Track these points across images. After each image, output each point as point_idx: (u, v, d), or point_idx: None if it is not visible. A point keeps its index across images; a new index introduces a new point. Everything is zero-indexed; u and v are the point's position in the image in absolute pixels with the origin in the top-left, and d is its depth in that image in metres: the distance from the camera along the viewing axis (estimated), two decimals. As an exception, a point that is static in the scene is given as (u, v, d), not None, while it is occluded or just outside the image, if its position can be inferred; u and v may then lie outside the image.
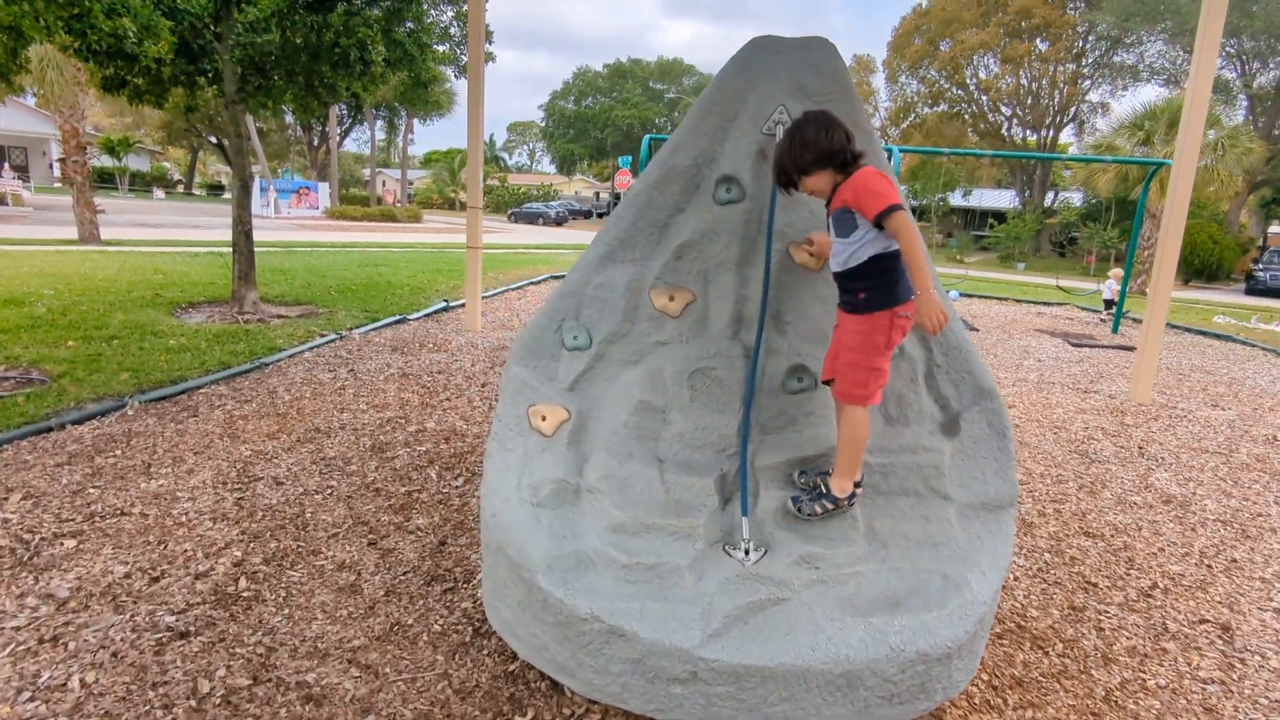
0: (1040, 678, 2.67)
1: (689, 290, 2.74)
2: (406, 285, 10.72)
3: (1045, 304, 15.28)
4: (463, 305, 9.48)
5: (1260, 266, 26.36)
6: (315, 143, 38.66)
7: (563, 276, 11.15)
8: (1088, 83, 35.70)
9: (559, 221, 45.14)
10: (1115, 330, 11.30)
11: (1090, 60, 35.85)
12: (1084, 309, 14.65)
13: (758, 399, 2.54)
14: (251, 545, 3.05)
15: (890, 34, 39.86)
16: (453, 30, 8.92)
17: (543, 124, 53.29)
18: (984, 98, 36.84)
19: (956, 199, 38.52)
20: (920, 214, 38.71)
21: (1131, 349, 9.99)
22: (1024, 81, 35.45)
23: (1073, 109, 36.97)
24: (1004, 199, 38.86)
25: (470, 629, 2.62)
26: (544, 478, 2.46)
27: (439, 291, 10.36)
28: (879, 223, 2.15)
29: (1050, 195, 38.25)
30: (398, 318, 8.07)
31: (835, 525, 2.32)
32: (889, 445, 2.47)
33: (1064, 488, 4.59)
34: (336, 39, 7.64)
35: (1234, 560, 3.83)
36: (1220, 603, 3.35)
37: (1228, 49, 32.71)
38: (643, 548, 2.24)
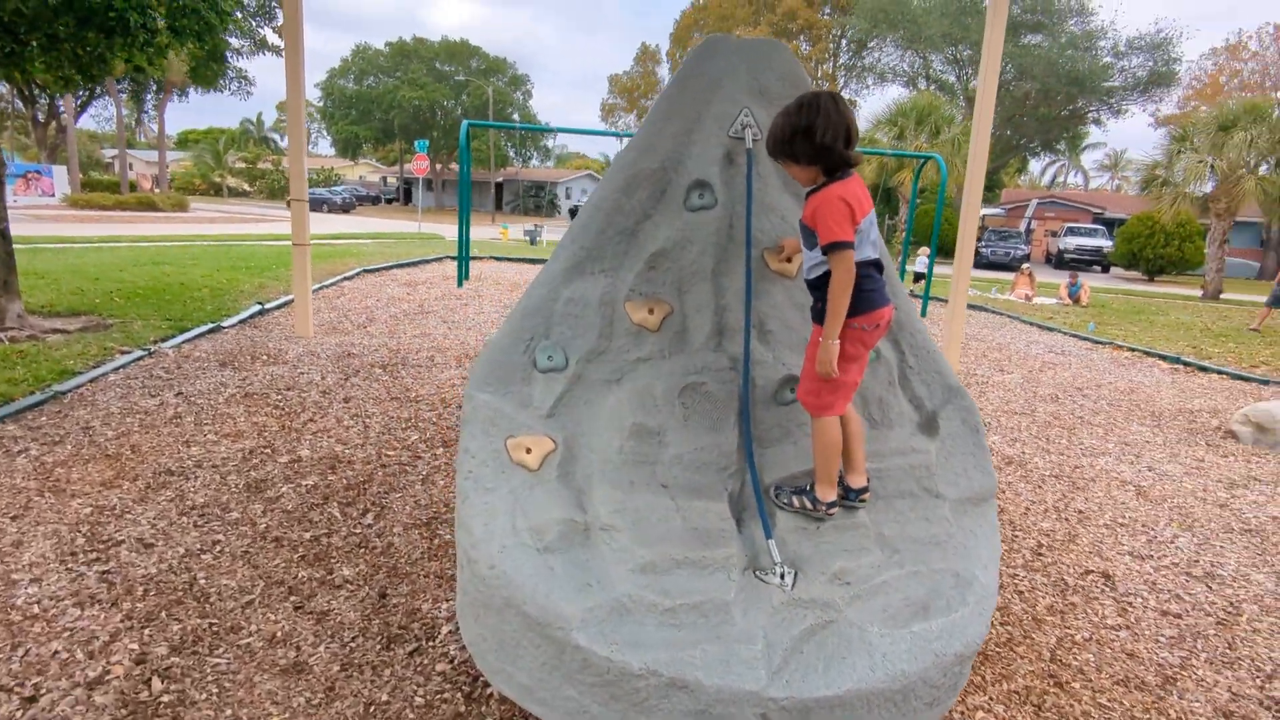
0: (997, 649, 2.83)
1: (666, 302, 2.56)
2: (203, 286, 9.40)
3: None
4: (280, 307, 8.49)
5: (983, 244, 30.95)
6: (41, 118, 32.69)
7: (377, 270, 10.42)
8: (841, 81, 39.19)
9: (346, 208, 42.13)
10: (923, 314, 12.44)
11: (842, 61, 39.39)
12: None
13: (753, 413, 2.43)
14: (147, 632, 2.45)
15: (671, 25, 41.17)
16: (245, -1, 7.83)
17: (320, 104, 49.22)
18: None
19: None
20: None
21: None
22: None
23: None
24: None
25: (459, 695, 2.29)
26: (546, 519, 2.19)
27: (245, 292, 9.19)
28: (825, 251, 2.10)
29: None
30: (210, 326, 7.02)
31: (850, 536, 2.28)
32: (880, 449, 2.48)
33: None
34: (109, 1, 6.42)
35: (1080, 511, 4.33)
36: (1092, 552, 3.76)
37: (951, 56, 37.30)
38: (680, 586, 2.05)
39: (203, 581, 2.76)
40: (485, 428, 2.38)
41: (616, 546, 2.14)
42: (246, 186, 53.81)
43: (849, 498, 2.33)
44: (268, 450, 4.07)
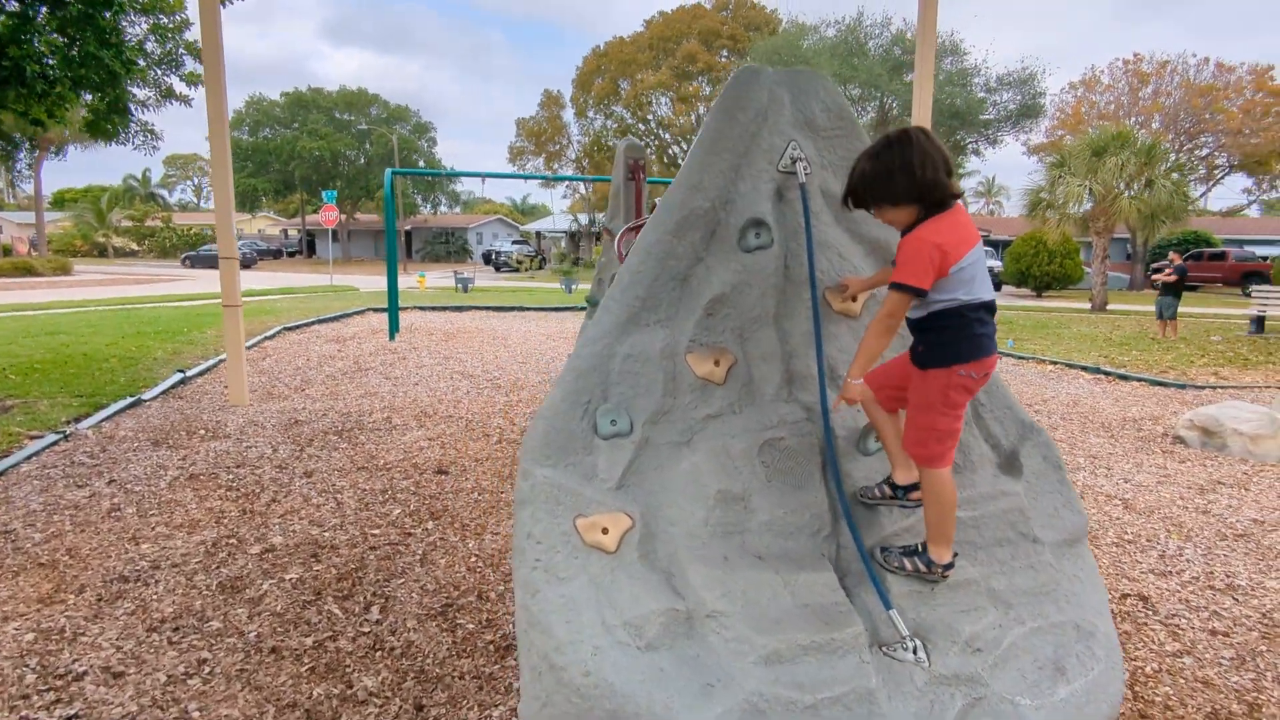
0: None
1: (730, 352, 2.32)
2: (110, 356, 8.55)
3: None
4: (204, 374, 7.80)
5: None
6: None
7: (299, 327, 9.84)
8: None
9: (247, 263, 40.08)
10: None
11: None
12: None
13: (840, 467, 2.21)
14: (144, 792, 1.99)
15: (563, 70, 41.60)
16: (148, 45, 7.19)
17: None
18: (664, 133, 39.99)
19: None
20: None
21: None
22: (695, 119, 39.18)
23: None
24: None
25: (547, 828, 1.93)
26: (643, 610, 1.88)
27: (159, 360, 8.41)
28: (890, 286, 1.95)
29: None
30: (129, 400, 6.32)
31: (964, 595, 2.07)
32: (970, 495, 2.29)
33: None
34: (3, 48, 5.79)
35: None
36: (1117, 574, 3.69)
37: (845, 94, 39.01)
38: (814, 676, 1.78)
39: (198, 716, 2.29)
40: (550, 508, 2.06)
41: (730, 636, 1.86)
42: (134, 246, 50.69)
43: (897, 495, 2.16)
44: (233, 541, 3.57)
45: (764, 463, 2.20)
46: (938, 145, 1.96)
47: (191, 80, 8.55)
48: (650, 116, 40.04)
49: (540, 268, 40.92)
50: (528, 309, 16.15)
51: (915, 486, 2.13)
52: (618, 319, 2.26)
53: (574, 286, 19.64)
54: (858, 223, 2.49)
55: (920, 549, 2.06)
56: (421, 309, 15.60)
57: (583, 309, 16.31)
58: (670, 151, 41.20)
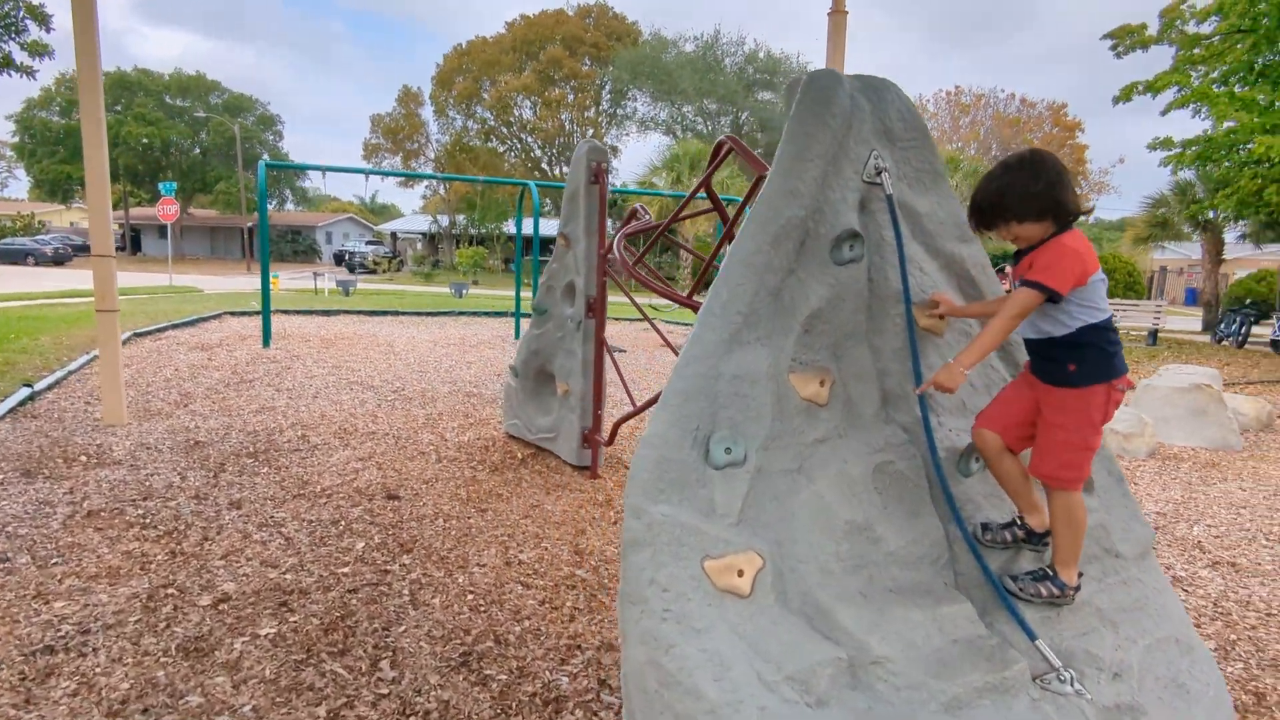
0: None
1: (831, 371, 2.16)
2: (-80, 367, 7.14)
3: (638, 320, 16.66)
4: (53, 387, 6.68)
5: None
6: None
7: (150, 333, 8.85)
8: (605, 127, 40.59)
9: (59, 260, 35.39)
10: None
11: (604, 109, 40.84)
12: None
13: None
14: None
15: (412, 65, 40.02)
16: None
17: (16, 139, 40.97)
18: (529, 137, 39.35)
19: (510, 228, 40.43)
20: (482, 241, 39.77)
21: None
22: (564, 124, 38.87)
23: (596, 149, 41.77)
24: (555, 228, 41.93)
25: None
26: (807, 662, 1.68)
27: (-10, 371, 7.12)
28: (1025, 283, 1.94)
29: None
30: (-31, 421, 5.26)
31: (1080, 618, 2.03)
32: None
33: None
34: None
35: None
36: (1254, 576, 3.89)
37: (701, 108, 40.21)
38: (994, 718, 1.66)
39: (217, 824, 1.84)
40: (674, 550, 1.81)
41: (901, 684, 1.70)
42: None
43: (1031, 541, 2.13)
44: (173, 591, 2.98)
45: (878, 489, 2.07)
46: (1063, 164, 1.94)
47: (36, 51, 7.29)
48: (513, 120, 39.28)
49: (399, 269, 39.04)
50: (403, 314, 15.25)
51: (1049, 532, 2.08)
52: (721, 337, 2.04)
53: (465, 291, 18.55)
54: (934, 237, 2.42)
55: (1051, 573, 2.01)
56: (285, 313, 14.32)
57: (474, 314, 15.60)
58: (534, 155, 40.67)
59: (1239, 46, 14.47)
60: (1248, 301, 21.58)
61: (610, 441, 4.64)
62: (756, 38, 52.71)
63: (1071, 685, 1.80)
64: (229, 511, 3.84)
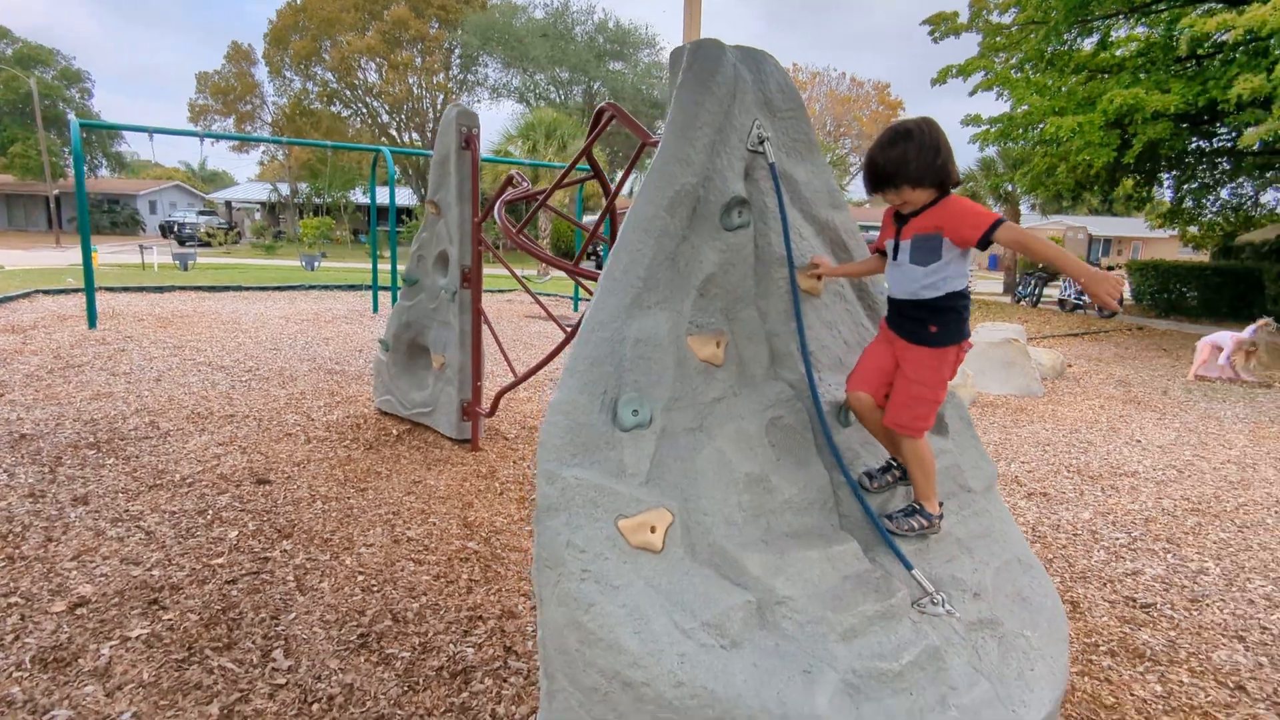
0: None
1: (725, 333, 2.23)
2: None
3: (504, 291, 16.29)
4: None
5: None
6: None
7: None
8: (458, 94, 39.03)
9: None
10: None
11: (454, 75, 39.23)
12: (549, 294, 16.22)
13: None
14: None
15: (244, 21, 36.78)
16: None
17: None
18: (375, 101, 37.07)
19: (358, 196, 38.25)
20: (328, 211, 37.33)
21: None
22: (413, 89, 36.88)
23: (447, 116, 40.11)
24: (406, 197, 40.04)
25: None
26: (721, 608, 1.75)
27: None
28: (985, 242, 2.08)
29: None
30: None
31: (942, 548, 2.23)
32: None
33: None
34: None
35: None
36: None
37: (553, 76, 39.55)
38: (887, 645, 1.80)
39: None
40: (589, 512, 1.82)
41: (805, 619, 1.80)
42: None
43: (906, 478, 2.27)
44: (18, 600, 2.65)
45: (771, 443, 2.16)
46: (945, 135, 2.06)
47: None
48: (358, 83, 36.89)
49: (236, 242, 35.92)
50: (247, 289, 14.11)
51: (893, 516, 2.23)
52: (623, 302, 2.05)
53: (317, 263, 17.18)
54: (810, 204, 2.52)
55: (918, 507, 2.18)
56: (110, 290, 12.86)
57: (327, 288, 14.57)
58: (382, 119, 38.45)
59: (1033, 37, 15.98)
60: (1039, 266, 24.23)
61: (492, 413, 4.56)
62: (605, 7, 52.18)
63: (943, 607, 1.98)
64: (74, 509, 3.44)
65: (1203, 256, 22.30)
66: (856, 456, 2.33)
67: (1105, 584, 3.41)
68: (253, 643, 2.44)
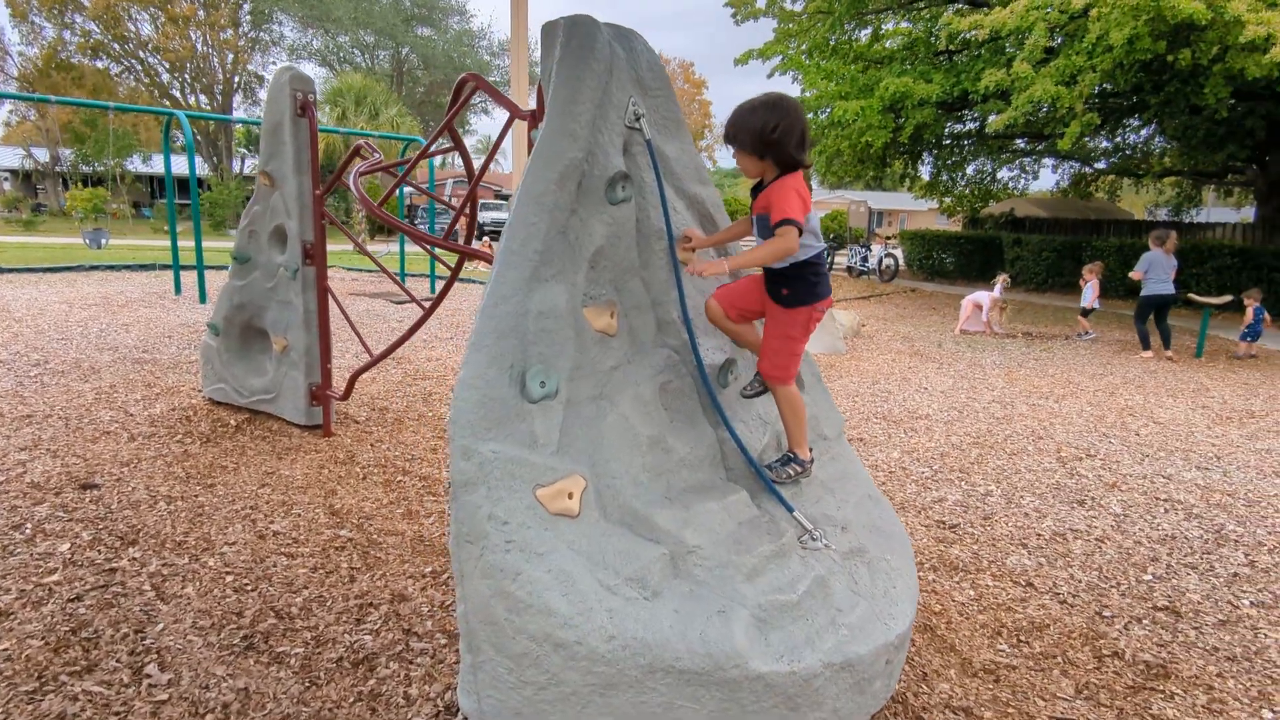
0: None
1: (616, 304, 2.26)
2: None
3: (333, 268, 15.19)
4: None
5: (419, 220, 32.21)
6: None
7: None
8: (250, 54, 35.20)
9: None
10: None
11: (246, 32, 35.31)
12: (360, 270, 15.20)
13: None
14: None
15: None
16: None
17: None
18: (153, 57, 32.35)
19: (137, 165, 33.56)
20: (98, 182, 32.38)
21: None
22: (197, 46, 32.58)
23: (237, 78, 36.04)
24: (197, 167, 35.56)
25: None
26: (641, 563, 1.82)
27: None
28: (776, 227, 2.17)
29: (239, 161, 36.83)
30: None
31: (810, 490, 2.44)
32: (771, 414, 2.65)
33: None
34: None
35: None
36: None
37: (358, 39, 36.82)
38: (785, 578, 1.95)
39: None
40: (508, 484, 1.81)
41: (713, 565, 1.92)
42: None
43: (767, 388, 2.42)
44: None
45: (664, 406, 2.25)
46: (803, 118, 2.19)
47: None
48: (129, 35, 32.03)
49: (-19, 217, 30.15)
50: (9, 270, 12.01)
51: (771, 466, 2.40)
52: (523, 275, 2.02)
53: (105, 241, 14.66)
54: (681, 179, 2.61)
55: (791, 455, 2.36)
56: None
57: (113, 268, 12.59)
58: (163, 79, 33.74)
59: (820, 26, 17.20)
60: (831, 236, 26.43)
61: (346, 396, 4.28)
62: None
63: (821, 541, 2.19)
64: None
65: (956, 226, 25.37)
66: (734, 414, 2.48)
67: (919, 511, 3.87)
68: (118, 661, 2.17)
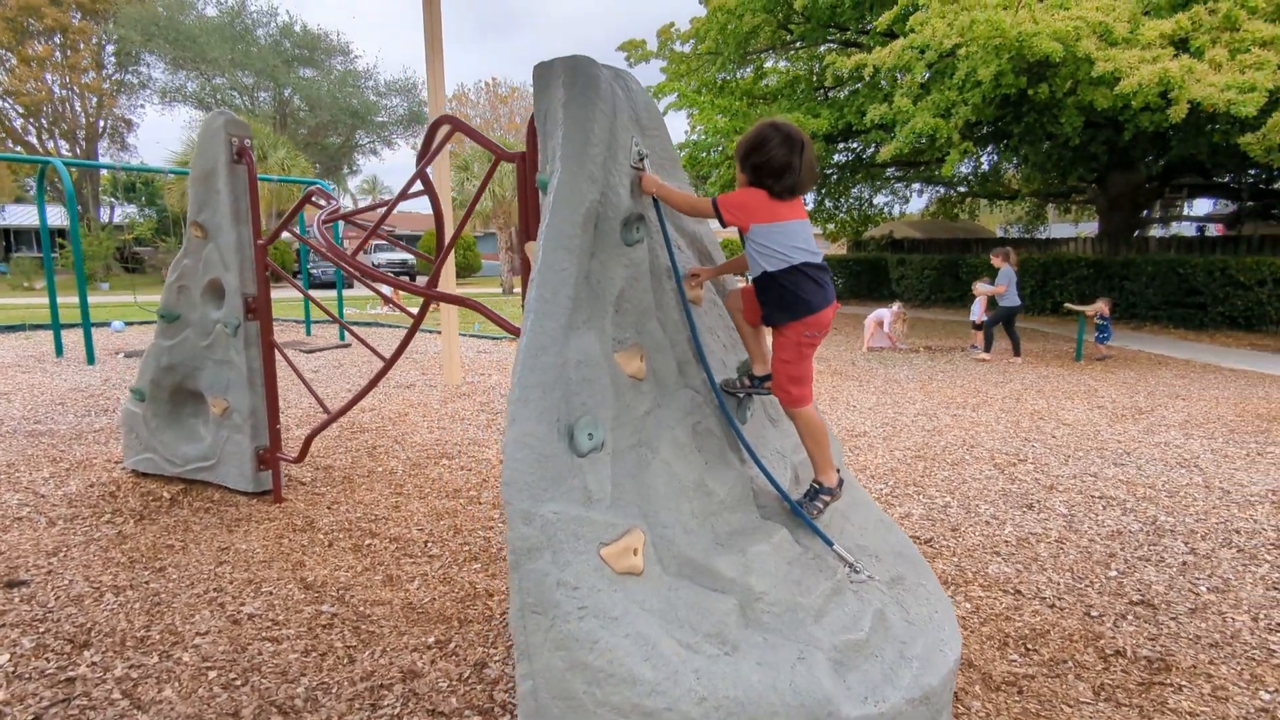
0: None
1: (642, 347, 2.17)
2: None
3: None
4: None
5: (312, 266, 30.65)
6: None
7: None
8: (116, 96, 32.75)
9: None
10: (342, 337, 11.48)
11: (111, 74, 32.90)
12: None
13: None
14: None
15: None
16: None
17: None
18: (4, 101, 29.43)
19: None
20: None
21: (347, 345, 10.59)
22: (55, 89, 29.91)
23: (102, 122, 33.43)
24: (51, 216, 32.54)
25: None
26: (715, 618, 1.72)
27: None
28: (722, 219, 2.23)
29: (107, 210, 33.93)
30: None
31: (833, 520, 2.41)
32: (791, 444, 2.61)
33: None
34: None
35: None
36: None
37: (236, 81, 35.08)
38: (848, 618, 1.91)
39: None
40: (573, 545, 1.68)
41: (780, 609, 1.85)
42: None
43: (754, 384, 2.38)
44: None
45: (698, 448, 2.17)
46: (808, 160, 2.17)
47: None
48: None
49: None
50: None
51: (768, 377, 2.33)
52: (559, 323, 1.90)
53: None
54: (680, 218, 2.57)
55: (817, 486, 2.31)
56: None
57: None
58: (14, 123, 30.72)
59: (710, 66, 17.87)
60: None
61: (301, 457, 3.93)
62: (288, 9, 47.37)
63: (865, 574, 2.16)
64: None
65: (841, 249, 26.69)
66: (758, 453, 2.42)
67: (892, 525, 3.94)
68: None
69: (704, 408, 2.29)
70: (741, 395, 2.40)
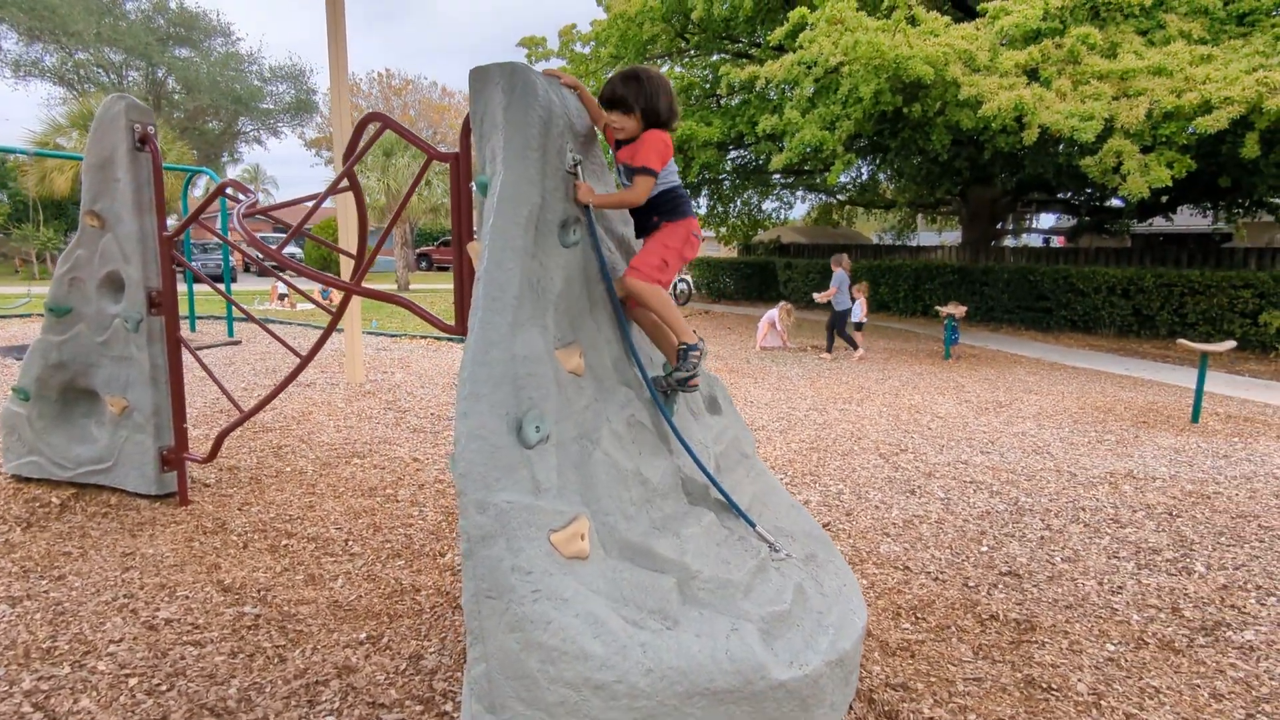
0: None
1: (580, 344, 2.24)
2: None
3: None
4: None
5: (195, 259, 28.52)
6: None
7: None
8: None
9: None
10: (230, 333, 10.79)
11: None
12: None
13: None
14: None
15: None
16: None
17: None
18: None
19: None
20: None
21: (237, 342, 10.01)
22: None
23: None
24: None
25: None
26: (659, 596, 1.83)
27: None
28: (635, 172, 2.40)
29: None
30: None
31: (754, 508, 2.57)
32: (719, 434, 2.77)
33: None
34: None
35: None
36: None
37: (101, 57, 32.10)
38: (772, 591, 2.05)
39: None
40: (525, 532, 1.74)
41: (714, 586, 1.98)
42: None
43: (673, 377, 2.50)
44: None
45: (633, 439, 2.27)
46: (669, 86, 2.44)
47: None
48: None
49: None
50: None
51: (678, 368, 2.47)
52: (506, 320, 1.95)
53: None
54: (610, 221, 2.66)
55: (685, 346, 2.41)
56: None
57: None
58: None
59: (611, 70, 18.02)
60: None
61: (211, 457, 3.72)
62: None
63: (784, 552, 2.33)
64: None
65: (732, 253, 27.55)
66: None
67: (794, 510, 4.19)
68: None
69: (636, 402, 2.39)
70: (668, 391, 2.52)
